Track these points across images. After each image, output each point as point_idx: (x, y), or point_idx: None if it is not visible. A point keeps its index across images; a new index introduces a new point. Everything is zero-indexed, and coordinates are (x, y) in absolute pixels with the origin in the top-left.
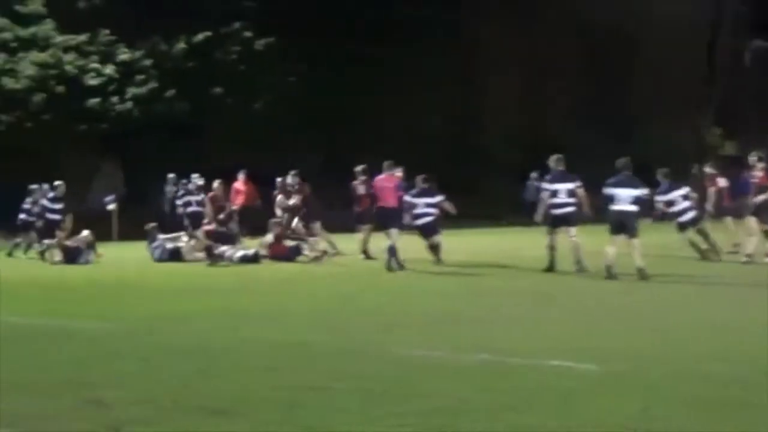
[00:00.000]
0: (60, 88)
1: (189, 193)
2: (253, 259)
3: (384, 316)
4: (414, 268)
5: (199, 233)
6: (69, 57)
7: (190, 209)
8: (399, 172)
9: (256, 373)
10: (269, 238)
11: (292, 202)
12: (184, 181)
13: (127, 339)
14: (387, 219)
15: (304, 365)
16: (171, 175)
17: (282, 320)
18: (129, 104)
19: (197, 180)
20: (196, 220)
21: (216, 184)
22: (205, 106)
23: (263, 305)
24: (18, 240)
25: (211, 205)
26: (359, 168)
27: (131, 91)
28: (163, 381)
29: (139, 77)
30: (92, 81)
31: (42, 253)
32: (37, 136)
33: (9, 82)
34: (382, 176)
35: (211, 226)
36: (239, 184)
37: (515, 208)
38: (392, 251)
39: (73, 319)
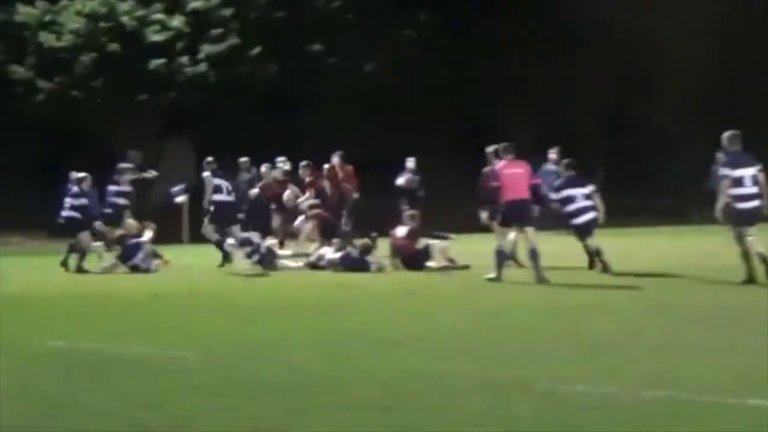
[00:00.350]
0: (114, 46)
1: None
2: (361, 264)
3: (536, 340)
4: (567, 279)
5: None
6: (125, 6)
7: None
8: (553, 153)
9: (366, 414)
10: (401, 232)
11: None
12: (268, 165)
13: (200, 370)
14: (520, 215)
15: (433, 404)
16: (243, 159)
17: (404, 345)
18: (202, 66)
19: (282, 164)
20: (284, 216)
21: (300, 166)
22: (299, 68)
23: (377, 326)
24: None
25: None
26: (496, 148)
27: (205, 49)
28: (243, 422)
29: (216, 31)
30: (155, 36)
31: (64, 262)
32: (85, 108)
33: (49, 39)
34: (503, 161)
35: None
36: (334, 168)
37: (701, 200)
38: (535, 256)
39: (132, 344)
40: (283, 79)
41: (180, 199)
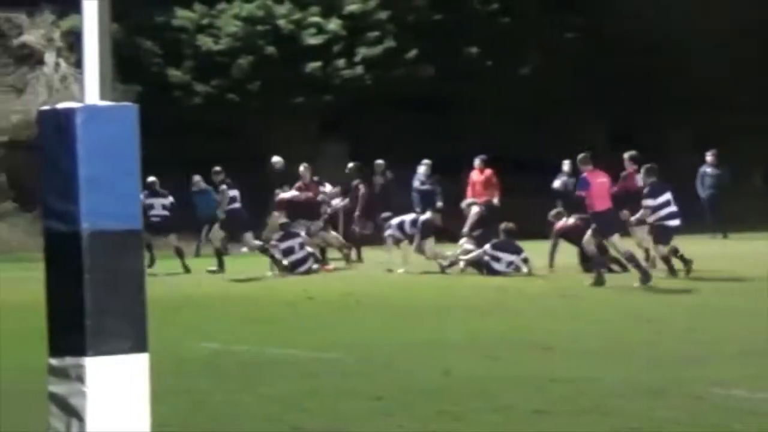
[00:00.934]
0: (271, 49)
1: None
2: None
3: (689, 343)
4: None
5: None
6: (282, 9)
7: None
8: (710, 156)
9: (519, 417)
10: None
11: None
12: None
13: (355, 372)
14: (606, 225)
15: (587, 407)
16: (379, 162)
17: (557, 348)
18: (359, 69)
19: (423, 168)
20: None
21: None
22: (456, 71)
23: (530, 329)
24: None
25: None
26: (631, 154)
27: (361, 52)
28: (398, 425)
29: (372, 34)
30: (312, 39)
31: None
32: (242, 111)
33: (207, 42)
34: (588, 171)
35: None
36: (474, 173)
37: None
38: (634, 259)
39: (286, 347)
40: (438, 81)
41: (335, 202)
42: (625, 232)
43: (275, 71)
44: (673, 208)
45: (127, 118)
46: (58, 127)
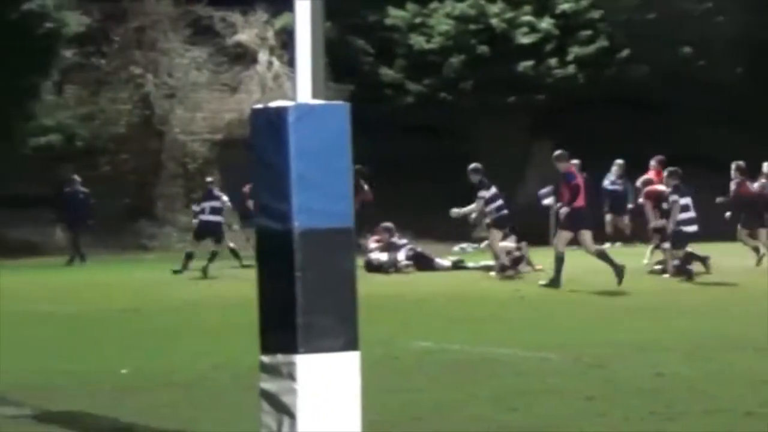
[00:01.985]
0: (483, 48)
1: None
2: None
3: None
4: None
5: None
6: (495, 8)
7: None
8: None
9: (732, 419)
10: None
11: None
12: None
13: (565, 372)
14: (581, 221)
15: None
16: (575, 161)
17: None
18: (571, 68)
19: (615, 168)
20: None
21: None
22: (667, 71)
23: (741, 328)
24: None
25: (649, 199)
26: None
27: (573, 51)
28: (610, 425)
29: (584, 33)
30: (524, 39)
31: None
32: (453, 110)
33: (419, 41)
34: (568, 167)
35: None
36: (650, 173)
37: None
38: (605, 256)
39: (497, 345)
40: (650, 81)
41: (548, 201)
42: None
43: (487, 70)
44: (691, 214)
45: (339, 116)
46: (270, 126)
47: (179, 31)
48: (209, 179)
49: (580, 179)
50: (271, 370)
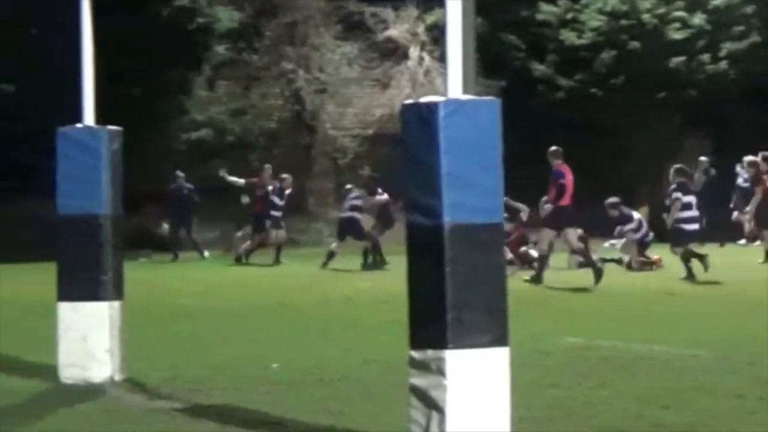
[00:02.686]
0: (634, 44)
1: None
2: None
3: None
4: None
5: None
6: (647, 3)
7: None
8: None
9: None
10: None
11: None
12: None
13: (716, 369)
14: (567, 219)
15: None
16: (702, 159)
17: None
18: (723, 64)
19: (746, 164)
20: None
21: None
22: None
23: None
24: None
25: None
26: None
27: (726, 46)
28: (762, 424)
29: (737, 29)
30: (676, 34)
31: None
32: (605, 106)
33: (570, 37)
34: (558, 164)
35: None
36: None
37: None
38: (585, 253)
39: (648, 342)
40: None
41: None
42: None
43: (639, 66)
44: (693, 213)
45: (490, 112)
46: (420, 121)
47: (330, 27)
48: (367, 173)
49: (568, 178)
50: (421, 366)
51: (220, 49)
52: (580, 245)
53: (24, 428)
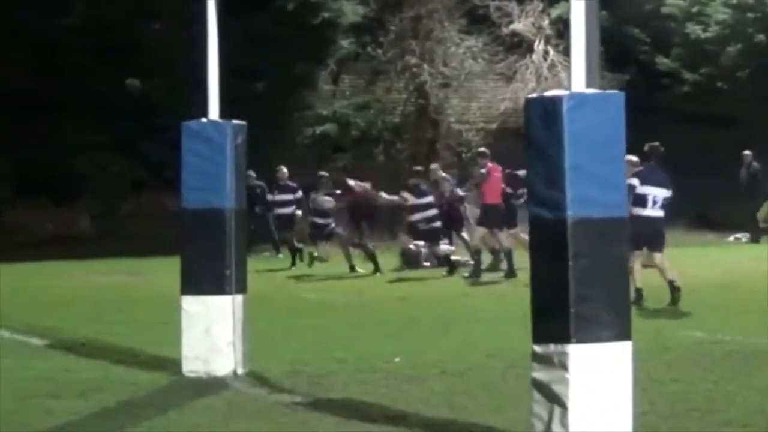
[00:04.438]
0: (761, 37)
1: None
2: None
3: None
4: None
5: None
6: None
7: None
8: None
9: None
10: None
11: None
12: None
13: None
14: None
15: None
16: (746, 153)
17: None
18: None
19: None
20: None
21: None
22: None
23: None
24: None
25: None
26: None
27: None
28: None
29: None
30: None
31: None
32: (731, 99)
33: (695, 30)
34: (486, 164)
35: None
36: None
37: None
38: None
39: None
40: None
41: None
42: None
43: (765, 59)
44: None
45: (614, 105)
46: (544, 115)
47: (455, 21)
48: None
49: (494, 177)
50: (543, 360)
51: (345, 43)
52: (477, 245)
53: (148, 421)
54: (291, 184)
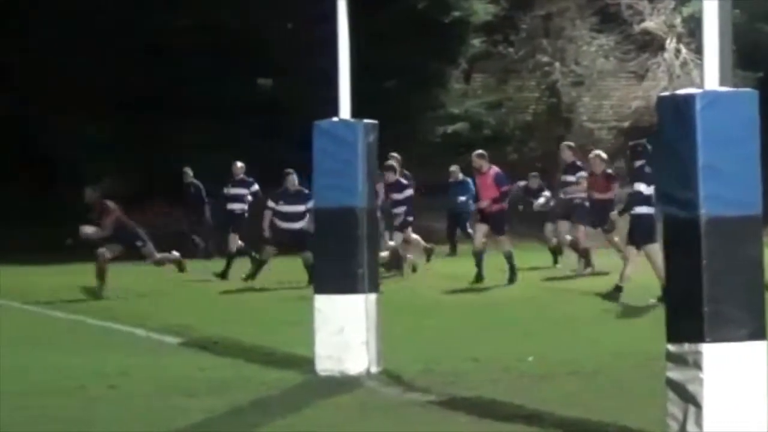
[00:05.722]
0: None
1: None
2: None
3: None
4: None
5: None
6: None
7: None
8: None
9: None
10: None
11: None
12: None
13: None
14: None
15: None
16: None
17: None
18: None
19: None
20: None
21: None
22: None
23: None
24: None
25: None
26: None
27: None
28: None
29: None
30: None
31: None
32: None
33: None
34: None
35: None
36: None
37: None
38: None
39: None
40: None
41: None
42: None
43: None
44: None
45: (747, 104)
46: (677, 114)
47: (586, 19)
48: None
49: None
50: (678, 359)
51: (476, 42)
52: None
53: (282, 419)
54: (247, 178)
